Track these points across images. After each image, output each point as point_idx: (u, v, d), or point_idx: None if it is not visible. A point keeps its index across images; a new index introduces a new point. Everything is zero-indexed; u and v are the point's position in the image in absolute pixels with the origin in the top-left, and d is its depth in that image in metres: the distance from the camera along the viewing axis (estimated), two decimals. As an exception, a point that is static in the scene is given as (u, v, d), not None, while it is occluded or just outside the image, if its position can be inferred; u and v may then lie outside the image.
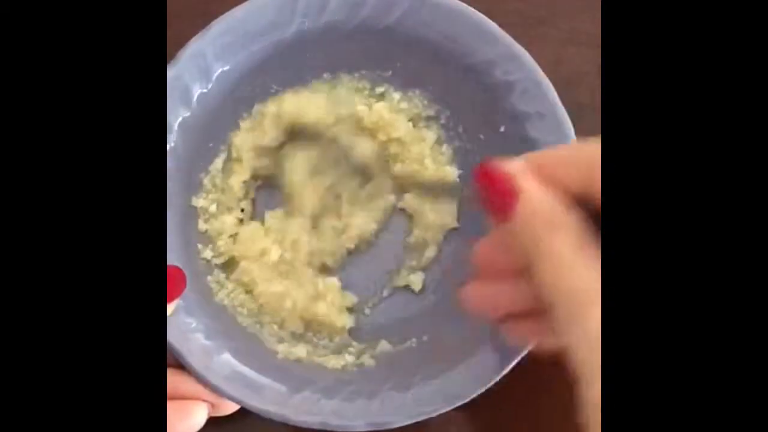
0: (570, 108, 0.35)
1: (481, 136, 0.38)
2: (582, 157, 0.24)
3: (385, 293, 0.39)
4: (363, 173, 0.38)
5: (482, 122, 0.37)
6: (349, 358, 0.37)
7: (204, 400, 0.34)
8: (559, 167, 0.24)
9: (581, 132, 0.35)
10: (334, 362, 0.37)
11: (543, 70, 0.35)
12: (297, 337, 0.38)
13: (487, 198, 0.25)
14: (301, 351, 0.37)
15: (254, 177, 0.39)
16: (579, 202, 0.24)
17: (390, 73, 0.38)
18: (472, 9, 0.35)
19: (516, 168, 0.25)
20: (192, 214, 0.38)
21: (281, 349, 0.37)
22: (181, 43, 0.34)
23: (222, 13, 0.35)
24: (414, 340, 0.37)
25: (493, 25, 0.35)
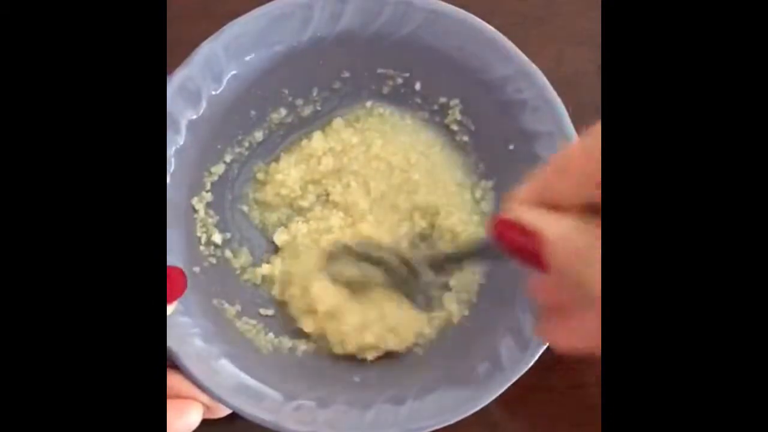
0: (570, 108, 0.34)
1: (490, 153, 0.38)
2: (574, 166, 0.22)
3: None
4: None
5: (492, 138, 0.37)
6: None
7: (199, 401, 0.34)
8: (559, 187, 0.23)
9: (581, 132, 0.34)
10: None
11: (543, 70, 0.35)
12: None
13: (514, 254, 0.24)
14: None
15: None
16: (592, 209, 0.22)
17: (401, 81, 0.38)
18: (487, 24, 0.35)
19: (526, 213, 0.23)
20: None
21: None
22: (184, 43, 0.34)
23: (224, 14, 0.34)
24: (409, 355, 0.37)
25: (506, 42, 0.35)
